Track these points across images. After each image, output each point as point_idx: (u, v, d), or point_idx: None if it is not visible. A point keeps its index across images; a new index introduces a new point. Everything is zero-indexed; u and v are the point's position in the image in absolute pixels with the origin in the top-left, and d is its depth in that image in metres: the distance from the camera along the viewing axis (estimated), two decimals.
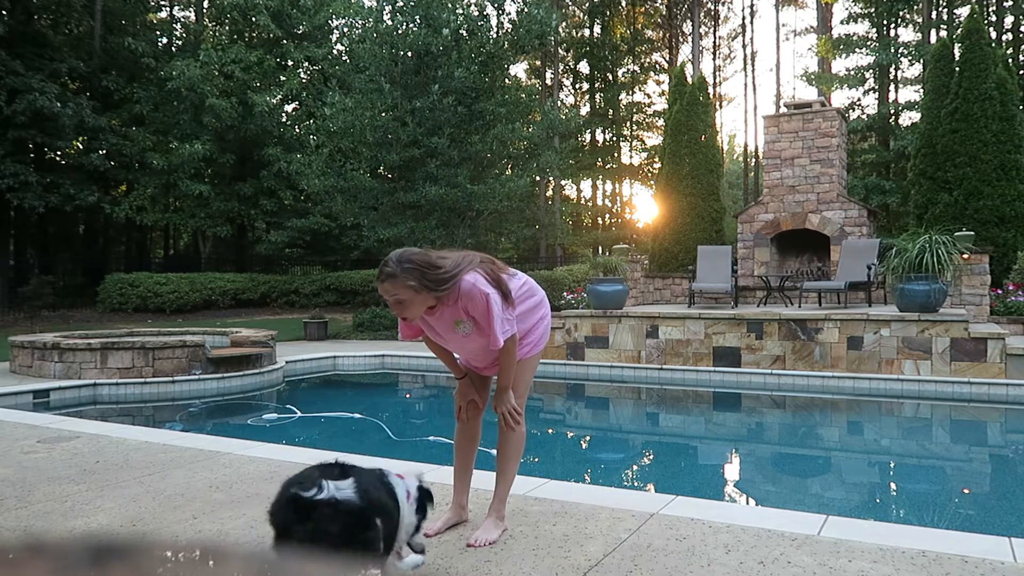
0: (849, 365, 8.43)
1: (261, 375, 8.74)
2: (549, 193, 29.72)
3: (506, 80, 18.22)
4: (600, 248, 30.44)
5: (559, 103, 28.74)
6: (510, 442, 2.94)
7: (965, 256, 9.51)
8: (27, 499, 3.47)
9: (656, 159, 31.75)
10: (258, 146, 21.92)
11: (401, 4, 15.37)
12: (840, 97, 26.66)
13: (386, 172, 17.25)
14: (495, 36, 16.13)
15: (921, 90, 21.10)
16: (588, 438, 6.94)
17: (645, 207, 37.75)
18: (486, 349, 2.76)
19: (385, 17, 15.48)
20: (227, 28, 25.02)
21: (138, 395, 7.90)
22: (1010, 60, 17.49)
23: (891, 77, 24.93)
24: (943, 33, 21.77)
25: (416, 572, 2.20)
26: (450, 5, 15.15)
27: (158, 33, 25.30)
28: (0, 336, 12.95)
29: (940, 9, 23.10)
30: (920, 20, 23.69)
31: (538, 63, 33.07)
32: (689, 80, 16.25)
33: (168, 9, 27.40)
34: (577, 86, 38.18)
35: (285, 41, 22.80)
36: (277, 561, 0.38)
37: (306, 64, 23.70)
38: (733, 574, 2.49)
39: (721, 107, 39.58)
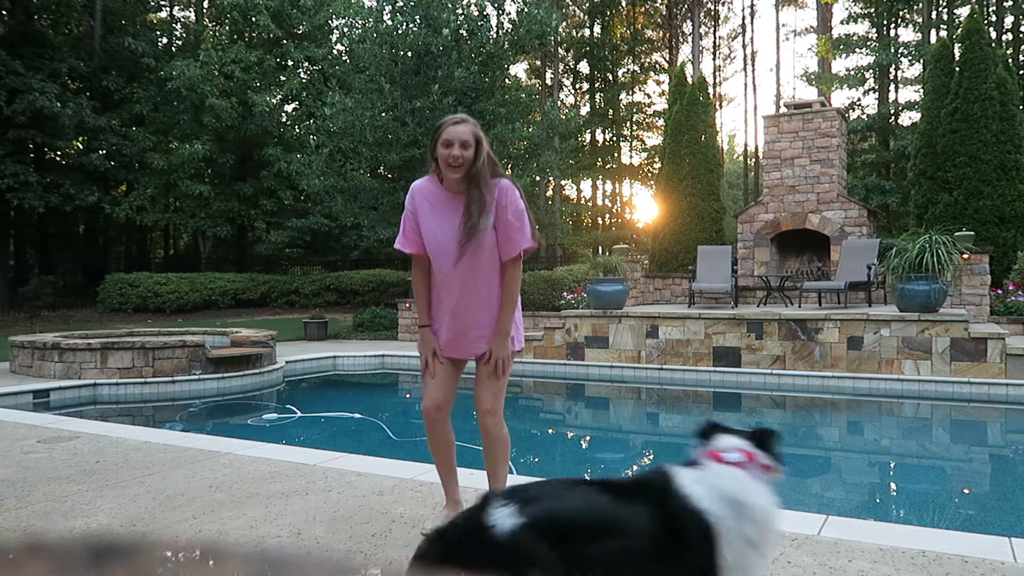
0: (849, 365, 8.43)
1: (261, 375, 8.74)
2: (549, 193, 29.71)
3: (506, 80, 18.22)
4: (600, 248, 30.40)
5: (559, 103, 28.72)
6: (495, 447, 2.93)
7: (965, 256, 9.51)
8: (27, 499, 3.47)
9: (656, 159, 31.73)
10: (258, 146, 21.91)
11: (401, 4, 15.36)
12: (840, 97, 26.67)
13: (386, 172, 17.24)
14: (495, 36, 16.13)
15: (921, 90, 21.08)
16: (588, 438, 6.94)
17: (645, 207, 37.77)
18: (487, 268, 2.78)
19: (385, 17, 15.46)
20: (227, 28, 25.01)
21: (138, 395, 7.90)
22: (1010, 60, 17.47)
23: (891, 77, 24.92)
24: (943, 33, 21.75)
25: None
26: (450, 5, 15.14)
27: (158, 33, 25.29)
28: (0, 336, 12.94)
29: (940, 9, 23.08)
30: (920, 20, 23.68)
31: (538, 63, 33.05)
32: (689, 80, 16.24)
33: (168, 9, 27.40)
34: (577, 86, 38.16)
35: (285, 41, 22.79)
36: (277, 561, 0.38)
37: (306, 64, 23.68)
38: None
39: (721, 107, 39.58)
